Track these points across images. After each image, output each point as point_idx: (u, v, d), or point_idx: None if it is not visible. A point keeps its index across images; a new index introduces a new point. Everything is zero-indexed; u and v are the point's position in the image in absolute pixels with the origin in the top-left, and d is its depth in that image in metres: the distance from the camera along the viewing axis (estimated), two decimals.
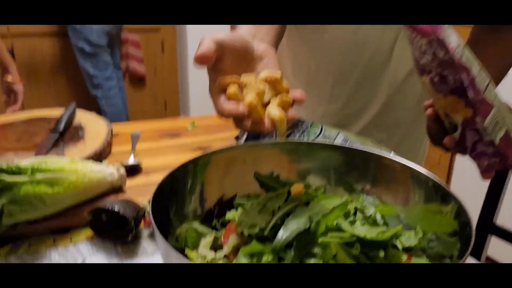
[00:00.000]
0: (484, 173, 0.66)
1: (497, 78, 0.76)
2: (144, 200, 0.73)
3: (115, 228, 0.68)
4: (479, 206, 1.14)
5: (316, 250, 0.48)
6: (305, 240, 0.48)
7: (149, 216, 0.48)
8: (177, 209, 0.57)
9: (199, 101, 3.31)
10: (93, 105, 2.90)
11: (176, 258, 0.41)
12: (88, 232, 0.69)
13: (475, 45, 0.77)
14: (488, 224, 1.07)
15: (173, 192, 0.56)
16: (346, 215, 0.52)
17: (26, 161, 0.68)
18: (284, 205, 0.51)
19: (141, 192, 0.79)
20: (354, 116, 0.92)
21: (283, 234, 0.47)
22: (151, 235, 0.69)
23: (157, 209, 0.52)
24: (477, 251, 1.09)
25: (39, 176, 0.66)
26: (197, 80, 3.24)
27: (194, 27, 3.08)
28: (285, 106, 0.52)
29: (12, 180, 0.62)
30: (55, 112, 1.01)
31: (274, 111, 0.51)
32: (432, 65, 0.58)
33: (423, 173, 0.56)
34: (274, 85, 0.54)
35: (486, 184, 1.07)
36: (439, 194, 0.54)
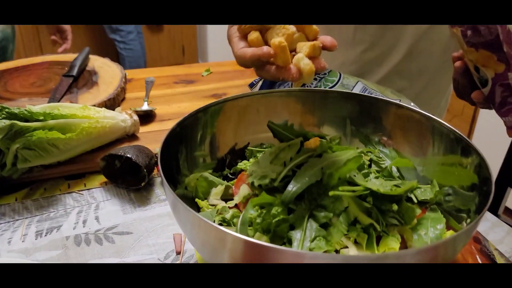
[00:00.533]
0: (510, 129, 0.63)
1: None
2: (157, 147, 0.72)
3: (128, 174, 0.68)
4: (501, 158, 1.11)
5: (327, 202, 0.46)
6: (316, 192, 0.47)
7: (158, 166, 0.47)
8: (188, 158, 0.56)
9: (217, 46, 3.25)
10: (110, 51, 2.88)
11: (183, 209, 0.40)
12: (101, 178, 0.70)
13: None
14: (508, 176, 1.04)
15: (183, 141, 0.55)
16: (360, 168, 0.50)
17: (39, 107, 0.67)
18: (296, 156, 0.50)
19: (154, 139, 0.78)
20: (375, 63, 0.88)
21: (293, 186, 0.46)
22: None
23: (167, 158, 0.51)
24: (496, 204, 1.07)
25: (51, 122, 0.65)
26: (216, 26, 3.16)
27: None
28: (315, 54, 0.49)
29: (24, 125, 0.62)
30: (69, 56, 1.00)
31: (305, 61, 0.48)
32: None
33: (444, 124, 0.54)
34: (303, 28, 0.51)
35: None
36: (460, 146, 0.52)
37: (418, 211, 0.47)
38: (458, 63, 0.63)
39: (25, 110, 0.64)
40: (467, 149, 0.50)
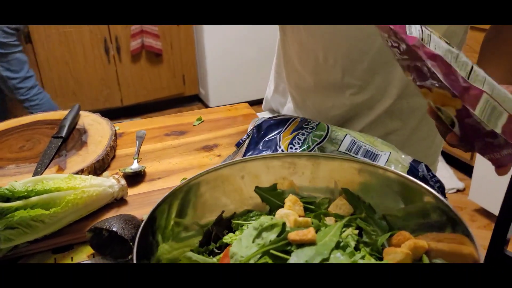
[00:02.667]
0: (498, 168, 0.60)
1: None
2: (145, 213, 0.71)
3: (116, 245, 0.67)
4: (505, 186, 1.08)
5: None
6: None
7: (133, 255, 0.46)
8: (172, 234, 0.55)
9: (217, 74, 3.27)
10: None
11: None
12: (89, 249, 0.68)
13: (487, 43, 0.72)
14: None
15: (162, 223, 0.54)
16: (345, 247, 0.48)
17: (21, 182, 0.67)
18: (276, 240, 0.48)
19: (144, 201, 0.77)
20: (366, 106, 0.86)
21: None
22: None
23: (146, 238, 0.50)
24: (501, 239, 1.04)
25: (34, 198, 0.64)
26: (214, 52, 3.18)
27: None
28: None
29: (5, 206, 0.61)
30: (59, 114, 1.00)
31: None
32: (404, 58, 0.54)
33: (427, 190, 0.52)
34: None
35: None
36: (446, 218, 0.50)
37: None
38: (428, 108, 0.61)
39: (6, 189, 0.63)
40: (454, 222, 0.48)
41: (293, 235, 0.48)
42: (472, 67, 0.53)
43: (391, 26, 0.51)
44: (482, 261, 0.44)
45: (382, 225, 0.57)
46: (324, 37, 0.81)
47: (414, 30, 0.51)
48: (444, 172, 2.46)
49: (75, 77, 3.03)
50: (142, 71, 3.23)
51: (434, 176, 0.72)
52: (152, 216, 0.52)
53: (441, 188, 0.71)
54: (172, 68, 3.31)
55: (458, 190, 2.37)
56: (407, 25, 0.51)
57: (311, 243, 0.48)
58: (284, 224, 0.50)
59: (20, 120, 0.98)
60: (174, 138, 0.97)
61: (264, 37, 3.08)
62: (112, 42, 3.06)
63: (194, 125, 1.02)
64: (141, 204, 0.76)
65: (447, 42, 0.54)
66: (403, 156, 0.71)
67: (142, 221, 0.67)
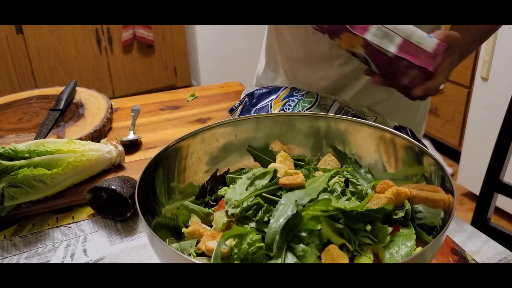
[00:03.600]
0: (412, 90, 0.68)
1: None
2: None
3: (115, 205, 0.70)
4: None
5: (303, 233, 0.47)
6: (292, 223, 0.48)
7: (136, 199, 0.49)
8: (168, 188, 0.58)
9: (209, 65, 3.29)
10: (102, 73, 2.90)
11: (158, 242, 0.42)
12: (89, 210, 0.71)
13: None
14: (494, 181, 1.06)
15: (163, 172, 0.57)
16: (332, 191, 0.52)
17: (24, 144, 0.69)
18: (268, 185, 0.51)
19: (140, 167, 0.79)
20: (353, 76, 0.90)
21: (273, 226, 0.46)
22: None
23: (146, 190, 0.53)
24: (484, 208, 1.08)
25: (36, 158, 0.67)
26: (206, 43, 3.20)
27: None
28: None
29: (9, 164, 0.64)
30: (56, 89, 1.02)
31: None
32: None
33: (408, 139, 0.56)
34: None
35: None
36: (424, 160, 0.54)
37: (390, 229, 0.49)
38: (363, 69, 0.70)
39: (10, 149, 0.66)
40: (431, 163, 0.52)
41: (283, 180, 0.51)
42: None
43: None
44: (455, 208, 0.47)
45: (368, 177, 0.61)
46: None
47: None
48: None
49: (66, 68, 3.04)
50: (134, 62, 3.24)
51: (418, 140, 0.76)
52: (150, 168, 0.55)
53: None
54: (164, 59, 3.32)
55: None
56: None
57: (300, 186, 0.51)
58: (275, 171, 0.53)
59: (17, 96, 1.01)
60: (168, 112, 1.00)
61: (255, 28, 3.10)
62: (104, 33, 3.07)
63: (188, 101, 1.05)
64: (138, 169, 0.79)
65: None
66: (388, 120, 0.75)
67: None
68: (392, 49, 0.63)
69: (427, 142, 2.59)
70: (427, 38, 0.63)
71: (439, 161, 0.51)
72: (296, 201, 0.49)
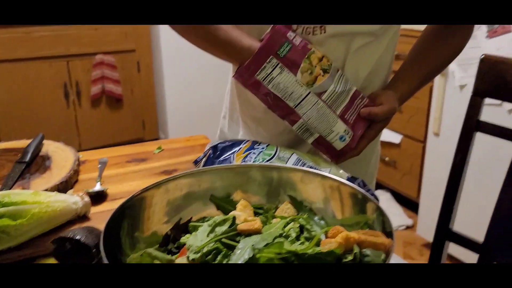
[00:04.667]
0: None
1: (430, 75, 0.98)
2: None
3: (79, 255, 0.71)
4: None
5: None
6: None
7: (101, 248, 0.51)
8: (132, 238, 0.61)
9: (177, 118, 3.35)
10: (67, 128, 2.91)
11: None
12: (53, 261, 0.72)
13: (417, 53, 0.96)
14: (445, 230, 1.12)
15: (127, 221, 0.60)
16: (287, 236, 0.56)
17: None
18: (227, 231, 0.55)
19: (106, 218, 0.81)
20: None
21: None
22: None
23: (111, 240, 0.55)
24: (437, 257, 1.14)
25: (1, 209, 0.68)
26: (174, 97, 3.28)
27: (168, 46, 3.13)
28: None
29: None
30: (23, 142, 1.04)
31: None
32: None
33: (355, 187, 0.61)
34: None
35: None
36: (368, 207, 0.59)
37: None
38: None
39: None
40: (374, 208, 0.58)
41: (241, 226, 0.56)
42: (302, 100, 0.78)
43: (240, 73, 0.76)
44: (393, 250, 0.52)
45: (321, 224, 0.65)
46: None
47: (263, 73, 0.75)
48: (394, 210, 2.59)
49: (33, 121, 3.03)
50: (102, 116, 3.26)
51: (370, 189, 0.82)
52: (115, 219, 0.58)
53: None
54: (132, 112, 3.36)
55: (407, 227, 2.49)
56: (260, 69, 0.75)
57: (257, 232, 0.55)
58: (234, 218, 0.57)
59: None
60: (135, 164, 1.03)
61: (222, 82, 3.21)
62: (72, 87, 3.10)
63: (154, 153, 1.09)
64: (103, 220, 0.80)
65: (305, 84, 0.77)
66: (341, 171, 0.81)
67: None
68: (310, 141, 0.84)
69: (387, 194, 2.68)
70: (338, 140, 0.82)
71: (381, 207, 0.57)
72: (252, 245, 0.52)
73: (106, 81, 3.13)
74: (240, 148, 0.84)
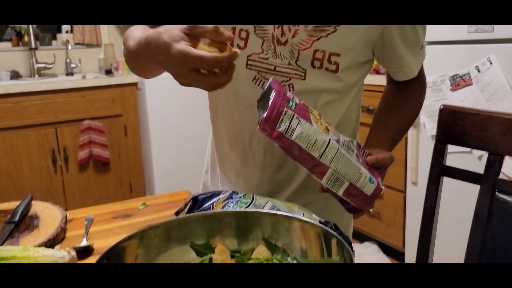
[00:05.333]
0: (353, 215, 0.89)
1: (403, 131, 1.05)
2: None
3: None
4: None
5: None
6: None
7: None
8: None
9: (164, 180, 3.39)
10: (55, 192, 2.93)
11: None
12: None
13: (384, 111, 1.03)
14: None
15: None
16: None
17: None
18: None
19: None
20: (285, 181, 1.03)
21: None
22: None
23: None
24: None
25: None
26: (161, 160, 3.34)
27: (155, 110, 3.24)
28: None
29: None
30: (12, 204, 1.08)
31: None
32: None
33: (323, 227, 0.67)
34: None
35: None
36: (339, 248, 0.64)
37: None
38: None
39: None
40: (335, 242, 0.63)
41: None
42: (325, 150, 0.76)
43: (264, 126, 0.74)
44: None
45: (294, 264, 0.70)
46: (250, 123, 0.99)
47: (282, 125, 0.74)
48: (382, 261, 2.60)
49: (18, 188, 3.05)
50: (89, 180, 3.29)
51: (342, 232, 0.87)
52: (101, 262, 0.62)
53: (348, 243, 0.86)
54: (120, 176, 3.40)
55: None
56: (277, 123, 0.74)
57: None
58: (210, 259, 0.62)
59: None
60: (120, 220, 1.07)
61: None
62: (60, 153, 3.16)
63: (139, 209, 1.13)
64: None
65: (327, 130, 0.78)
66: (314, 215, 0.87)
67: None
68: (340, 193, 0.79)
69: (374, 246, 2.70)
70: (368, 183, 0.79)
71: (341, 239, 0.62)
72: None
73: (94, 145, 3.20)
74: (219, 198, 0.90)
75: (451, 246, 1.82)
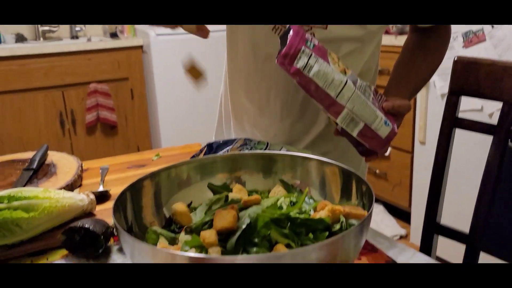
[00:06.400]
0: (365, 158, 0.88)
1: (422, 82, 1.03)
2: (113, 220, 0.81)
3: (87, 245, 0.76)
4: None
5: (257, 240, 0.57)
6: (248, 232, 0.57)
7: (112, 218, 0.57)
8: (137, 219, 0.66)
9: (171, 143, 3.40)
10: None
11: (131, 240, 0.50)
12: (63, 252, 0.77)
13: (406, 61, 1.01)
14: (433, 224, 1.18)
15: (132, 204, 0.66)
16: (281, 208, 0.62)
17: (3, 191, 0.76)
18: (223, 204, 0.61)
19: (110, 214, 0.87)
20: (302, 133, 1.03)
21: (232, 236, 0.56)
22: (120, 249, 0.77)
23: (120, 212, 0.61)
24: (427, 252, 1.19)
25: (15, 203, 0.74)
26: (168, 123, 3.35)
27: (161, 73, 3.22)
28: None
29: None
30: (28, 154, 1.10)
31: None
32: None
33: (339, 165, 0.68)
34: None
35: None
36: (353, 180, 0.66)
37: (327, 233, 0.59)
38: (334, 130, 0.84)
39: None
40: (358, 181, 0.64)
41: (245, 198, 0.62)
42: (342, 89, 0.76)
43: (284, 62, 0.74)
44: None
45: (310, 202, 0.71)
46: (269, 74, 0.98)
47: (300, 61, 0.74)
48: (387, 222, 2.64)
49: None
50: (97, 143, 3.31)
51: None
52: (125, 194, 0.64)
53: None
54: (127, 139, 3.42)
55: (401, 237, 2.54)
56: (296, 58, 0.74)
57: (256, 202, 0.61)
58: (227, 196, 0.64)
59: None
60: (135, 170, 1.09)
61: (214, 102, 3.30)
62: (68, 116, 3.16)
63: (153, 160, 1.15)
64: (108, 215, 0.86)
65: (345, 71, 0.77)
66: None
67: (111, 225, 0.78)
68: (355, 133, 0.79)
69: (380, 207, 2.74)
70: (384, 126, 0.79)
71: (362, 178, 0.63)
72: (249, 214, 0.58)
73: (101, 108, 3.20)
74: (234, 144, 0.91)
75: (460, 202, 1.84)
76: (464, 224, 1.19)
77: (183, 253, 0.47)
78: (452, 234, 1.16)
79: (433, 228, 1.19)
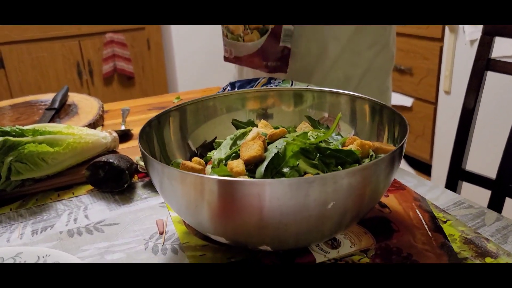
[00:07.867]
0: None
1: None
2: (136, 157, 0.81)
3: (112, 181, 0.76)
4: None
5: (285, 170, 0.55)
6: (276, 162, 0.56)
7: (138, 144, 0.56)
8: (162, 152, 0.65)
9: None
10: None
11: (159, 166, 0.49)
12: (88, 187, 0.77)
13: None
14: (458, 170, 1.16)
15: (158, 135, 0.64)
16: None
17: (28, 126, 0.76)
18: (248, 139, 0.59)
19: (133, 152, 0.87)
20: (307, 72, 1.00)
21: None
22: (145, 185, 0.77)
23: (146, 143, 0.60)
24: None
25: (40, 137, 0.74)
26: (185, 74, 3.32)
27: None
28: None
29: (16, 140, 0.70)
30: (49, 95, 1.09)
31: None
32: None
33: (370, 98, 0.65)
34: None
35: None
36: (382, 110, 0.63)
37: (356, 165, 0.57)
38: None
39: (16, 127, 0.72)
40: (388, 111, 0.62)
41: (271, 132, 0.60)
42: None
43: None
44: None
45: (338, 138, 0.69)
46: None
47: None
48: (407, 173, 2.62)
49: None
50: (115, 93, 3.31)
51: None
52: (153, 122, 0.63)
53: None
54: (144, 90, 3.40)
55: None
56: None
57: (282, 135, 0.60)
58: (251, 130, 0.62)
59: (13, 100, 1.07)
60: (156, 112, 1.07)
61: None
62: (85, 66, 3.15)
63: (173, 102, 1.13)
64: (131, 153, 0.86)
65: None
66: None
67: (135, 161, 0.78)
68: None
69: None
70: None
71: (394, 110, 0.61)
72: (276, 146, 0.57)
73: (118, 59, 3.18)
74: (257, 84, 0.88)
75: (486, 149, 1.80)
76: (489, 171, 1.16)
77: (212, 176, 0.46)
78: (478, 180, 1.13)
79: (458, 174, 1.17)
